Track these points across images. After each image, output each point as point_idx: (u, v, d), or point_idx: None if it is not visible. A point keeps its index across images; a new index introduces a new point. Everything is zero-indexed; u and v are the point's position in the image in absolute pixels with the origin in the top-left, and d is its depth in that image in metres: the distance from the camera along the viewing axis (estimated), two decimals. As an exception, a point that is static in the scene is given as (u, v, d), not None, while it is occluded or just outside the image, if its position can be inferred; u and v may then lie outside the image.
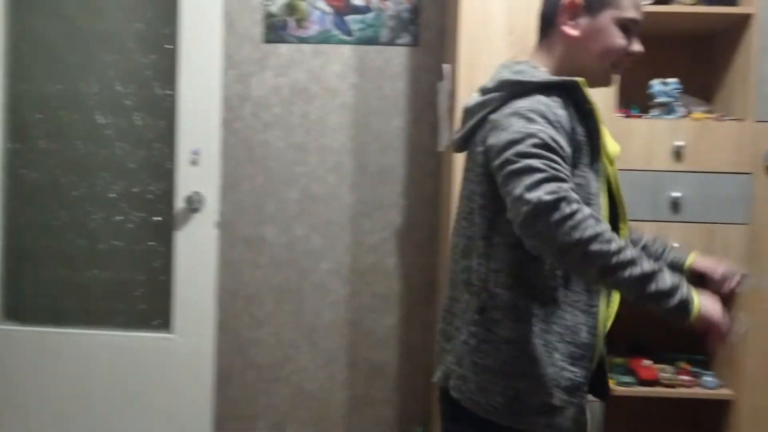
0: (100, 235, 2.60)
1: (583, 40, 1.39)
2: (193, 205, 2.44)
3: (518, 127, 1.25)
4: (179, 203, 2.47)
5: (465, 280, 1.40)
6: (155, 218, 2.57)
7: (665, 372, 2.19)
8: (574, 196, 1.18)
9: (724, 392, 2.18)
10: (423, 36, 2.64)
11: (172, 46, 2.50)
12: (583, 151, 1.33)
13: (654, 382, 2.17)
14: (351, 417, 2.71)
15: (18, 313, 2.62)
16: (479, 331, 1.35)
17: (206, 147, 2.46)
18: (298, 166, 2.68)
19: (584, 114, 1.35)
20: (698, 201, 2.14)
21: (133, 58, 2.57)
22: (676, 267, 1.54)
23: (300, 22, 2.64)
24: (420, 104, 2.65)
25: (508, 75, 1.37)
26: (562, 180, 1.19)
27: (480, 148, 1.37)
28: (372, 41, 2.64)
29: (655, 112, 2.23)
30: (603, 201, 1.35)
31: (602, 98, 1.52)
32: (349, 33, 2.64)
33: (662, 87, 2.22)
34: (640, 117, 2.22)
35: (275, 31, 2.65)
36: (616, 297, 1.43)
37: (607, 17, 1.37)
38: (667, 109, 2.22)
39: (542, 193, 1.16)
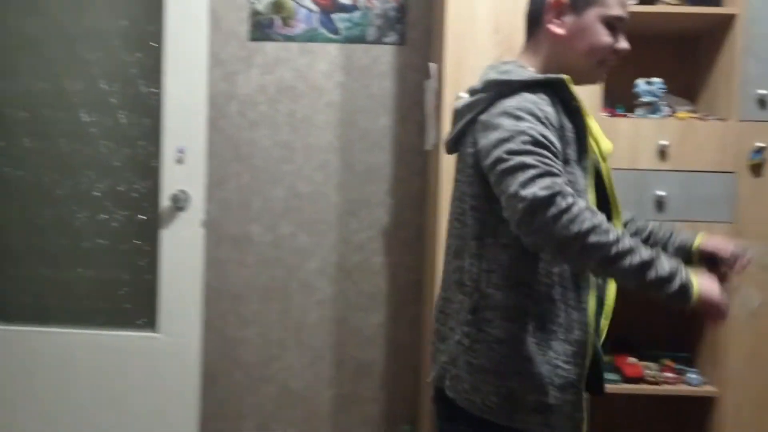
0: (85, 233, 2.58)
1: (569, 38, 1.40)
2: (179, 203, 2.43)
3: (508, 126, 1.26)
4: (164, 202, 2.45)
5: (457, 280, 1.41)
6: (140, 217, 2.56)
7: (650, 369, 2.21)
8: (569, 190, 1.19)
9: (707, 389, 2.20)
10: (410, 35, 2.64)
11: (157, 44, 2.48)
12: (571, 148, 1.34)
13: (639, 380, 2.18)
14: (338, 416, 2.71)
15: (1, 312, 2.59)
16: (472, 331, 1.35)
17: (192, 145, 2.44)
18: (284, 165, 2.67)
19: (571, 111, 1.36)
20: (682, 200, 2.16)
21: (118, 55, 2.55)
22: (684, 249, 1.54)
23: (286, 21, 2.63)
24: (407, 103, 2.65)
25: (494, 75, 1.38)
26: (556, 175, 1.20)
27: (470, 150, 1.38)
28: (359, 40, 2.64)
29: (640, 111, 2.24)
30: (591, 198, 1.36)
31: (588, 97, 1.53)
32: (335, 31, 2.63)
33: (647, 86, 2.23)
34: (625, 116, 2.24)
35: (261, 29, 2.64)
36: (611, 292, 1.44)
37: (592, 15, 1.38)
38: (652, 108, 2.23)
39: (537, 189, 1.17)
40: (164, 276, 2.47)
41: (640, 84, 2.24)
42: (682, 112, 2.23)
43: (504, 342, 1.33)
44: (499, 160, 1.23)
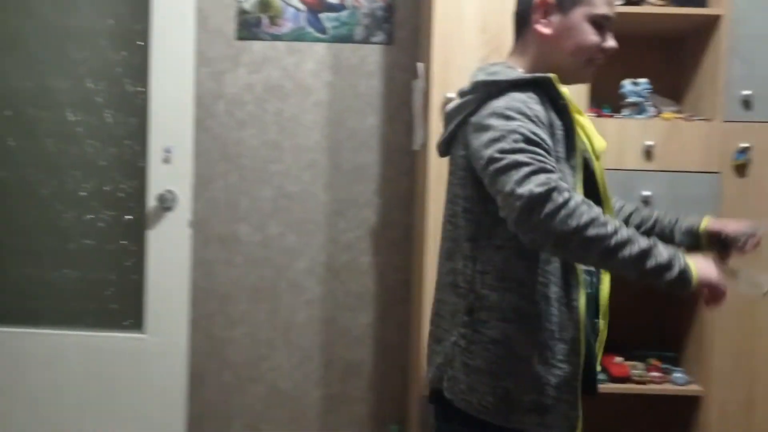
0: (71, 234, 2.57)
1: (556, 38, 1.41)
2: (166, 203, 2.42)
3: (498, 126, 1.27)
4: (151, 202, 2.44)
5: (450, 282, 1.42)
6: (127, 217, 2.55)
7: (636, 369, 2.22)
8: (564, 185, 1.20)
9: (693, 388, 2.21)
10: (397, 34, 2.64)
11: (143, 43, 2.48)
12: (560, 146, 1.34)
13: (625, 379, 2.19)
14: (326, 416, 2.70)
15: (-14, 314, 2.58)
16: (468, 332, 1.36)
17: (179, 145, 2.43)
18: (272, 164, 2.66)
19: (559, 110, 1.36)
20: (668, 200, 2.17)
21: (104, 54, 2.54)
22: (691, 233, 1.55)
23: (274, 20, 2.62)
24: (395, 103, 2.65)
25: (482, 77, 1.39)
26: (550, 171, 1.21)
27: (461, 152, 1.39)
28: (346, 39, 2.64)
29: (626, 111, 2.25)
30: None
31: (574, 98, 1.54)
32: (323, 31, 2.63)
33: (633, 87, 2.25)
34: (611, 116, 2.25)
35: (249, 28, 2.63)
36: (605, 291, 1.45)
37: (578, 14, 1.39)
38: (638, 108, 2.24)
39: (533, 186, 1.17)
40: (151, 276, 2.46)
41: (626, 85, 2.25)
42: (668, 113, 2.24)
43: (499, 342, 1.33)
44: (492, 159, 1.24)
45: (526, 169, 1.20)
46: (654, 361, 2.28)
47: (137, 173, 2.50)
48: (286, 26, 2.63)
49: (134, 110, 2.51)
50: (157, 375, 2.47)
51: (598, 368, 1.50)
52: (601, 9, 1.39)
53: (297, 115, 2.66)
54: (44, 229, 2.57)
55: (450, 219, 1.44)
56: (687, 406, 2.28)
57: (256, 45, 2.64)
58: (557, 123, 1.35)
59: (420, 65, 2.32)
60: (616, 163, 2.16)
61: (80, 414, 2.51)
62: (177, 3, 2.41)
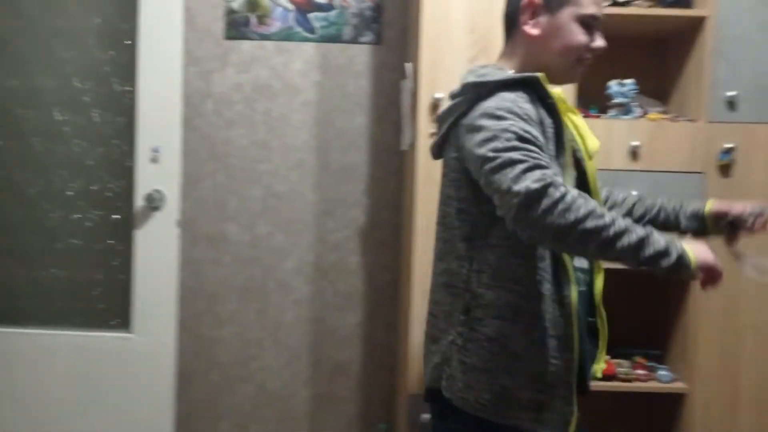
0: (58, 233, 2.56)
1: (544, 38, 1.42)
2: (153, 203, 2.41)
3: (490, 126, 1.28)
4: (139, 201, 2.44)
5: (444, 282, 1.43)
6: (114, 216, 2.54)
7: (622, 366, 2.24)
8: (559, 179, 1.21)
9: (678, 386, 2.23)
10: (386, 34, 2.64)
11: (131, 42, 2.47)
12: (551, 144, 1.36)
13: (611, 377, 2.21)
14: (314, 415, 2.71)
15: (-28, 314, 2.56)
16: (465, 331, 1.37)
17: (167, 144, 2.43)
18: (260, 164, 2.66)
19: (548, 108, 1.38)
20: (653, 199, 2.18)
21: (92, 53, 2.53)
22: (697, 217, 1.56)
23: (262, 19, 2.62)
24: (383, 103, 2.65)
25: (472, 78, 1.40)
26: (544, 167, 1.22)
27: (454, 154, 1.40)
28: (335, 39, 2.64)
29: (612, 112, 2.27)
30: None
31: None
32: (311, 30, 2.63)
33: (619, 88, 2.26)
34: (598, 117, 2.26)
35: (237, 27, 2.63)
36: (598, 286, 1.46)
37: (566, 15, 1.40)
38: (624, 109, 2.26)
39: (529, 182, 1.19)
40: (138, 276, 2.46)
41: (613, 85, 2.27)
42: (654, 114, 2.26)
43: (494, 340, 1.35)
44: (487, 159, 1.25)
45: (521, 167, 1.21)
46: (639, 359, 2.30)
47: (125, 173, 2.49)
48: (275, 26, 2.63)
49: (122, 109, 2.50)
50: (145, 375, 2.47)
51: (601, 368, 1.50)
52: (589, 9, 1.40)
53: (285, 115, 2.66)
54: (31, 228, 2.55)
55: (441, 220, 1.46)
56: (672, 404, 2.30)
57: (245, 44, 2.64)
58: (547, 121, 1.37)
59: (408, 65, 2.33)
60: (602, 163, 2.16)
61: (67, 414, 2.50)
62: (165, 2, 2.41)
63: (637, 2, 2.24)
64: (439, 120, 1.48)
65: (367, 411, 2.71)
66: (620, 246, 1.19)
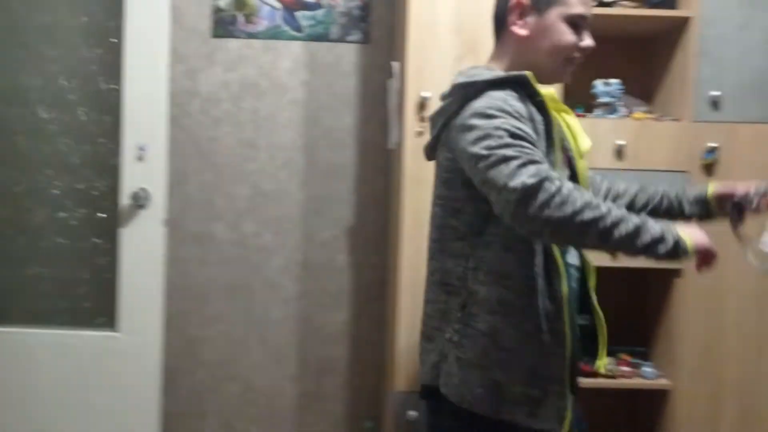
0: (43, 232, 2.54)
1: (532, 38, 1.43)
2: (139, 201, 2.40)
3: (481, 125, 1.29)
4: (125, 200, 2.43)
5: (439, 281, 1.44)
6: (100, 215, 2.52)
7: (607, 363, 2.25)
8: (554, 174, 1.23)
9: (662, 382, 2.26)
10: (373, 33, 2.65)
11: (117, 40, 2.46)
12: (542, 141, 1.37)
13: (596, 374, 2.22)
14: (301, 413, 2.71)
15: (-43, 313, 2.54)
16: (461, 328, 1.39)
17: (153, 143, 2.42)
18: (248, 163, 2.66)
19: (538, 106, 1.39)
20: (638, 198, 2.20)
21: (78, 51, 2.52)
22: (700, 200, 1.56)
23: (249, 18, 2.62)
24: (370, 101, 2.66)
25: (461, 79, 1.42)
26: (538, 162, 1.24)
27: (446, 155, 1.42)
28: (322, 38, 2.64)
29: (598, 111, 2.29)
30: None
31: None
32: (299, 29, 2.63)
33: (605, 87, 2.28)
34: (584, 116, 2.28)
35: (224, 25, 2.62)
36: (592, 282, 1.47)
37: (554, 15, 1.41)
38: (610, 109, 2.28)
39: (524, 178, 1.20)
40: (124, 275, 2.45)
41: (598, 85, 2.29)
42: (639, 113, 2.28)
43: (487, 335, 1.36)
44: (481, 157, 1.27)
45: (515, 163, 1.22)
46: (624, 356, 2.32)
47: (111, 171, 2.48)
48: (262, 24, 2.62)
49: (108, 108, 2.49)
50: (131, 374, 2.46)
51: (604, 364, 1.51)
52: (576, 8, 1.41)
53: (273, 114, 2.66)
54: (16, 227, 2.54)
55: (435, 221, 1.47)
56: (656, 400, 2.32)
57: (232, 43, 2.63)
58: (538, 118, 1.38)
59: (395, 64, 2.34)
60: (588, 162, 2.18)
61: (53, 413, 2.48)
62: (151, 0, 2.40)
63: (622, 3, 2.26)
64: (431, 121, 1.49)
65: (354, 409, 2.71)
66: (618, 235, 1.20)
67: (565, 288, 1.38)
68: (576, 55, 1.44)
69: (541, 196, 1.19)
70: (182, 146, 2.63)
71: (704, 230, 1.29)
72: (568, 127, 1.50)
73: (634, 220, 1.22)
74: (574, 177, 1.47)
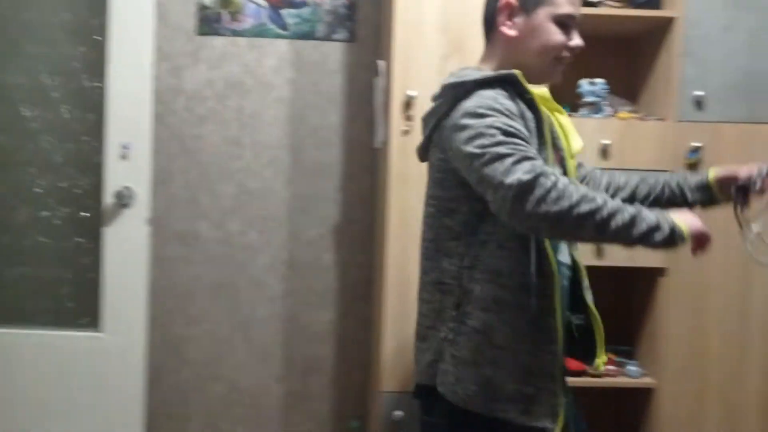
0: (26, 231, 2.52)
1: (521, 39, 1.44)
2: (123, 200, 2.38)
3: (473, 124, 1.30)
4: (108, 198, 2.41)
5: (433, 280, 1.45)
6: (83, 214, 2.50)
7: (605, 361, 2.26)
8: (549, 169, 1.24)
9: (646, 381, 2.27)
10: (359, 32, 2.64)
11: (101, 38, 2.44)
12: (533, 138, 1.37)
13: (581, 373, 2.23)
14: (287, 413, 2.70)
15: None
16: (456, 326, 1.39)
17: (137, 141, 2.40)
18: (233, 161, 2.65)
19: (528, 104, 1.40)
20: (623, 197, 2.21)
21: (61, 49, 2.49)
22: (702, 186, 1.56)
23: (234, 15, 2.60)
24: (356, 100, 2.65)
25: (451, 80, 1.42)
26: (532, 158, 1.24)
27: (438, 155, 1.43)
28: (308, 36, 2.63)
29: (583, 111, 2.29)
30: None
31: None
32: (284, 27, 2.62)
33: (590, 87, 2.29)
34: (569, 116, 2.26)
35: (209, 23, 2.61)
36: (586, 282, 1.48)
37: (542, 15, 1.42)
38: (595, 108, 2.29)
39: (520, 175, 1.21)
40: (108, 274, 2.43)
41: (584, 85, 2.29)
42: (624, 113, 2.29)
43: (480, 332, 1.37)
44: (475, 156, 1.27)
45: (509, 160, 1.23)
46: (609, 355, 2.32)
47: (94, 169, 2.46)
48: (247, 22, 2.61)
49: (91, 106, 2.47)
50: (114, 374, 2.44)
51: (603, 362, 1.51)
52: (564, 8, 1.42)
53: (258, 112, 2.64)
54: (-2, 226, 2.52)
55: (428, 220, 1.48)
56: (641, 398, 2.33)
57: (217, 40, 2.62)
58: (528, 115, 1.39)
59: (381, 63, 2.33)
60: (581, 161, 2.19)
61: (36, 414, 2.46)
62: (136, -3, 2.38)
63: (607, 3, 2.27)
64: (423, 122, 1.50)
65: (340, 408, 2.70)
66: (614, 225, 1.21)
67: (557, 286, 1.39)
68: (565, 54, 1.45)
69: (538, 192, 1.20)
70: (167, 144, 2.62)
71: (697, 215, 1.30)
72: (561, 126, 1.51)
73: (629, 210, 1.23)
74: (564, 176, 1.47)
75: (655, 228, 1.23)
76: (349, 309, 2.69)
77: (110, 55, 2.39)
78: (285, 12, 2.61)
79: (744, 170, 1.50)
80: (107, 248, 2.42)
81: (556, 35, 1.42)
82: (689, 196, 1.57)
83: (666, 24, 2.24)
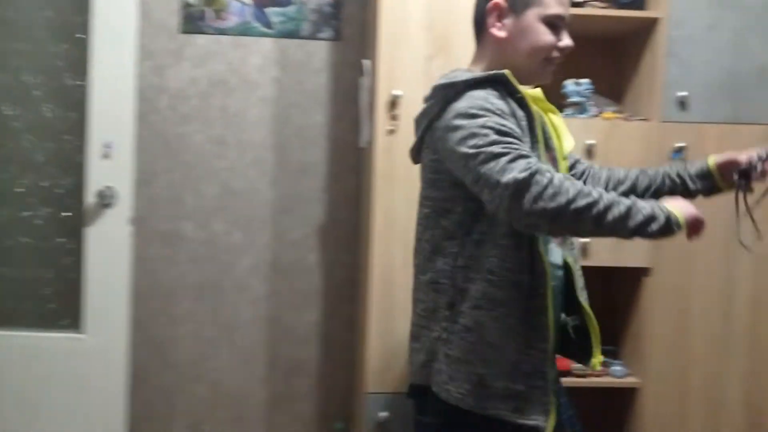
0: (7, 231, 2.49)
1: (511, 40, 1.44)
2: (105, 200, 2.36)
3: (466, 125, 1.31)
4: (90, 198, 2.38)
5: (428, 280, 1.44)
6: (65, 214, 2.48)
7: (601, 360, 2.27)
8: (544, 166, 1.25)
9: (631, 380, 2.28)
10: (345, 31, 2.63)
11: (84, 35, 2.41)
12: (525, 136, 1.38)
13: (566, 373, 2.23)
14: (271, 414, 2.68)
15: None
16: (449, 325, 1.40)
17: (119, 140, 2.38)
18: (217, 161, 2.63)
19: (519, 103, 1.40)
20: (607, 197, 2.22)
21: (43, 47, 2.47)
22: (703, 174, 1.55)
23: (218, 13, 2.58)
24: (341, 99, 2.64)
25: (442, 81, 1.43)
26: (527, 156, 1.25)
27: (431, 156, 1.43)
28: (293, 34, 2.62)
29: (568, 111, 2.30)
30: None
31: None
32: (269, 25, 2.60)
33: (575, 87, 2.29)
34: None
35: (193, 21, 2.59)
36: (579, 282, 1.48)
37: (531, 16, 1.42)
38: (580, 108, 2.29)
39: (516, 173, 1.22)
40: (90, 275, 2.40)
41: (569, 85, 2.30)
42: (608, 113, 2.30)
43: (472, 330, 1.37)
44: (470, 157, 1.28)
45: (504, 159, 1.24)
46: (596, 355, 2.33)
47: (76, 169, 2.43)
48: (232, 20, 2.59)
49: (74, 104, 2.44)
50: (97, 376, 2.41)
51: (599, 362, 1.51)
52: (553, 9, 1.42)
53: (242, 111, 2.63)
54: (-22, 226, 2.48)
55: (421, 221, 1.48)
56: (625, 398, 2.34)
57: (201, 39, 2.60)
58: (519, 113, 1.39)
59: (366, 62, 2.32)
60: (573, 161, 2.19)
61: (17, 416, 2.43)
62: (119, -5, 2.36)
63: (592, 3, 2.27)
64: (415, 124, 1.51)
65: (324, 410, 2.69)
66: (612, 218, 1.22)
67: (549, 284, 1.39)
68: (555, 55, 1.45)
69: (534, 189, 1.21)
70: (150, 143, 2.59)
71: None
72: (554, 127, 1.51)
73: (625, 202, 1.24)
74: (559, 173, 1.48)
75: (651, 218, 1.24)
76: (334, 310, 2.68)
77: (93, 54, 2.37)
78: (270, 10, 2.60)
79: (744, 155, 1.50)
80: (89, 248, 2.40)
81: (546, 36, 1.42)
82: (690, 185, 1.56)
83: (650, 24, 2.25)
